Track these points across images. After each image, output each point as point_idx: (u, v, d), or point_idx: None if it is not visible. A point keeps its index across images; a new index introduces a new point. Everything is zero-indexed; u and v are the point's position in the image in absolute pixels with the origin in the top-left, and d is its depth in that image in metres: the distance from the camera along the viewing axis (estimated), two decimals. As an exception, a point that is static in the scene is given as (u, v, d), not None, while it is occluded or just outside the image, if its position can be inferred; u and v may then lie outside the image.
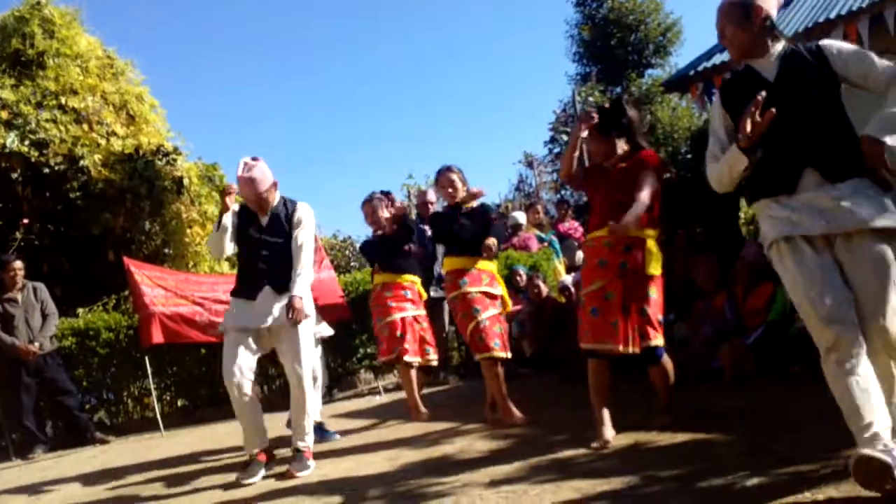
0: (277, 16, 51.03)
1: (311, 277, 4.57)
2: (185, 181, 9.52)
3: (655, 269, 3.94)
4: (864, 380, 2.50)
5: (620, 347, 3.84)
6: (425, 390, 6.27)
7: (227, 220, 4.61)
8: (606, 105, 4.29)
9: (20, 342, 6.95)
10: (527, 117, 47.33)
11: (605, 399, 3.96)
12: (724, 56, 7.15)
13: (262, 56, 49.09)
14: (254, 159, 4.58)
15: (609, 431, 3.85)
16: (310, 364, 4.56)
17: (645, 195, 3.79)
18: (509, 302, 5.33)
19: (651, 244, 3.95)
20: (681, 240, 6.79)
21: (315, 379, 5.36)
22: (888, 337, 2.52)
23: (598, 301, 3.93)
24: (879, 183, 2.63)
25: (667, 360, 4.02)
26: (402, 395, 7.00)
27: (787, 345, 4.88)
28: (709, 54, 7.43)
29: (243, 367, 4.44)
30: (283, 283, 4.48)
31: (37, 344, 7.00)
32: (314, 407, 5.00)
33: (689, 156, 13.86)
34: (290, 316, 4.34)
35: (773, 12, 2.95)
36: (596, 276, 3.99)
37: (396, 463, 4.19)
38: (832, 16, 6.37)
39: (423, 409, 5.61)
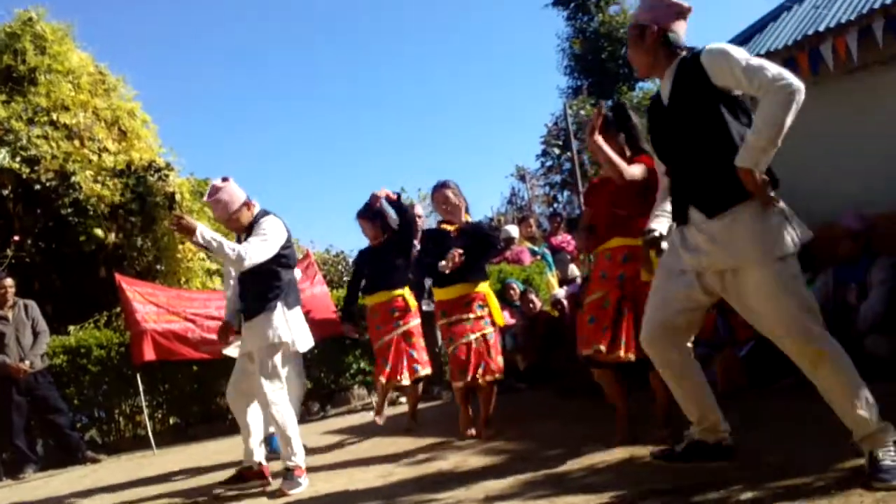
0: (269, 31, 51.15)
1: (241, 247, 4.33)
2: (178, 197, 9.51)
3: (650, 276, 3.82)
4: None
5: (603, 348, 3.84)
6: (419, 405, 6.24)
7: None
8: (609, 112, 4.23)
9: (11, 360, 6.90)
10: (519, 131, 47.44)
11: (624, 398, 4.08)
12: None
13: (255, 71, 49.14)
14: (223, 180, 4.57)
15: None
16: (276, 387, 4.48)
17: (635, 168, 3.81)
18: (499, 317, 5.25)
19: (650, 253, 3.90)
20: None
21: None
22: (796, 348, 2.87)
23: (595, 310, 4.00)
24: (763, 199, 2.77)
25: None
26: (396, 410, 6.99)
27: (780, 357, 4.86)
28: (699, 67, 7.47)
29: (235, 388, 4.70)
30: (252, 310, 4.54)
31: (27, 362, 6.96)
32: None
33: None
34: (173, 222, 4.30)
35: (673, 25, 3.00)
36: (597, 286, 4.07)
37: (390, 479, 4.17)
38: (821, 28, 6.39)
39: (382, 416, 5.79)
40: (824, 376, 2.80)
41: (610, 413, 4.21)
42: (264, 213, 4.61)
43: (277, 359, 4.51)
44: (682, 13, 3.05)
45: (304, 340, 4.71)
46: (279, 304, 4.51)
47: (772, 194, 2.81)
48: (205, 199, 4.68)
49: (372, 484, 4.13)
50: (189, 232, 4.19)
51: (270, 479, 4.60)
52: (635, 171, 3.81)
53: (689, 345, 3.19)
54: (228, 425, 7.89)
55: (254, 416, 4.68)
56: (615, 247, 4.01)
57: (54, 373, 7.36)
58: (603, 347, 3.86)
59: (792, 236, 2.82)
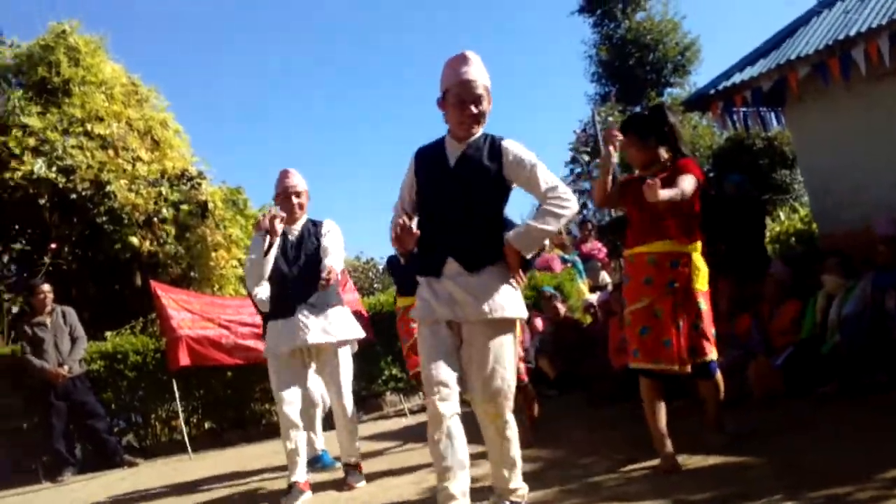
0: (300, 42, 51.57)
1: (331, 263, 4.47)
2: (210, 205, 9.62)
3: (702, 284, 3.78)
4: (455, 442, 2.97)
5: (676, 367, 3.67)
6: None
7: (274, 245, 4.57)
8: (646, 112, 4.19)
9: (49, 366, 7.04)
10: (547, 138, 47.38)
11: (662, 417, 3.77)
12: (744, 75, 7.16)
13: (285, 81, 49.57)
14: None
15: (670, 447, 3.68)
16: (349, 381, 4.66)
17: (686, 184, 3.63)
18: None
19: (697, 259, 3.80)
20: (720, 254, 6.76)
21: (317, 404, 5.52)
22: (486, 407, 3.07)
23: (646, 319, 3.75)
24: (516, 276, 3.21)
25: (719, 376, 3.89)
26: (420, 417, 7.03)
27: (819, 363, 4.84)
28: (728, 73, 7.43)
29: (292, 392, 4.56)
30: (315, 307, 4.55)
31: (66, 367, 7.09)
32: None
33: (711, 174, 13.81)
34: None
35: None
36: (642, 293, 3.78)
37: (422, 487, 4.18)
38: (852, 33, 6.36)
39: None
40: (502, 441, 3.13)
41: (640, 419, 4.20)
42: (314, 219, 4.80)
43: (347, 355, 4.68)
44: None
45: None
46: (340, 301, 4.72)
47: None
48: (287, 170, 4.73)
49: (403, 492, 4.15)
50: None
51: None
52: (688, 187, 3.64)
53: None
54: (263, 430, 8.00)
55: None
56: (662, 251, 3.76)
57: (92, 378, 7.49)
58: (677, 367, 3.67)
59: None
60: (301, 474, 4.44)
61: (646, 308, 3.76)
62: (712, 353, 3.79)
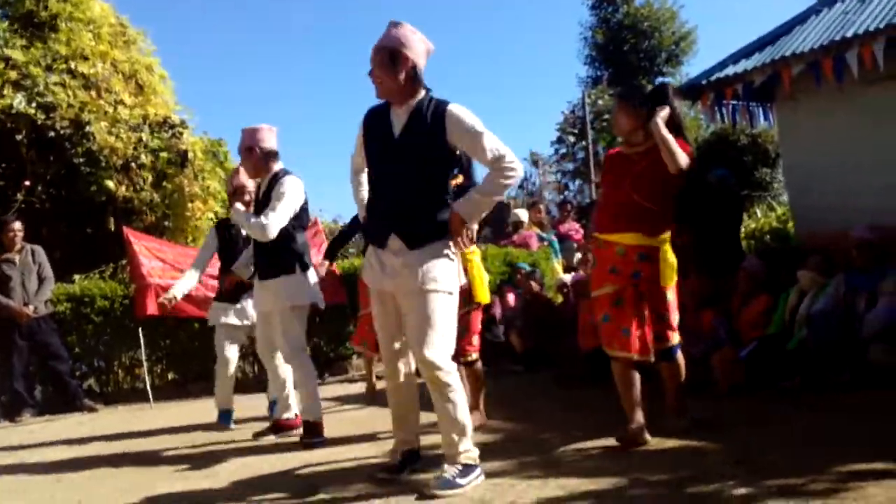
0: (292, 2, 50.82)
1: (262, 220, 4.35)
2: (190, 154, 9.48)
3: (671, 278, 3.77)
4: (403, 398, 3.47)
5: (635, 356, 3.65)
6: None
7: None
8: (649, 89, 4.02)
9: (15, 304, 6.94)
10: (534, 116, 47.26)
11: (636, 388, 3.72)
12: (737, 68, 7.13)
13: (278, 35, 48.89)
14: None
15: (640, 417, 3.66)
16: (299, 347, 4.62)
17: (684, 157, 3.61)
18: (482, 294, 4.55)
19: (665, 252, 3.75)
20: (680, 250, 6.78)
21: None
22: (426, 373, 3.18)
23: (608, 307, 3.73)
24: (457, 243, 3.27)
25: (681, 358, 3.89)
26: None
27: (785, 358, 4.89)
28: (722, 65, 7.39)
29: (265, 344, 4.92)
30: (268, 271, 4.56)
31: (31, 307, 7.00)
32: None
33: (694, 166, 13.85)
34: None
35: (421, 62, 3.21)
36: (606, 280, 3.76)
37: (382, 449, 4.18)
38: (848, 34, 6.34)
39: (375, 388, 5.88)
40: (445, 404, 3.22)
41: (605, 401, 4.22)
42: (285, 171, 4.60)
43: (299, 320, 4.60)
44: (429, 52, 3.29)
45: (319, 299, 4.77)
46: (297, 267, 4.54)
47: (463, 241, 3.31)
48: (246, 128, 4.62)
49: (363, 452, 4.15)
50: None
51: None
52: (684, 160, 3.62)
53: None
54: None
55: (286, 370, 4.82)
56: (630, 244, 3.71)
57: (57, 320, 7.40)
58: (636, 356, 3.66)
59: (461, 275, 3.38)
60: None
61: (610, 295, 3.73)
62: (674, 339, 3.82)
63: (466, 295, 4.21)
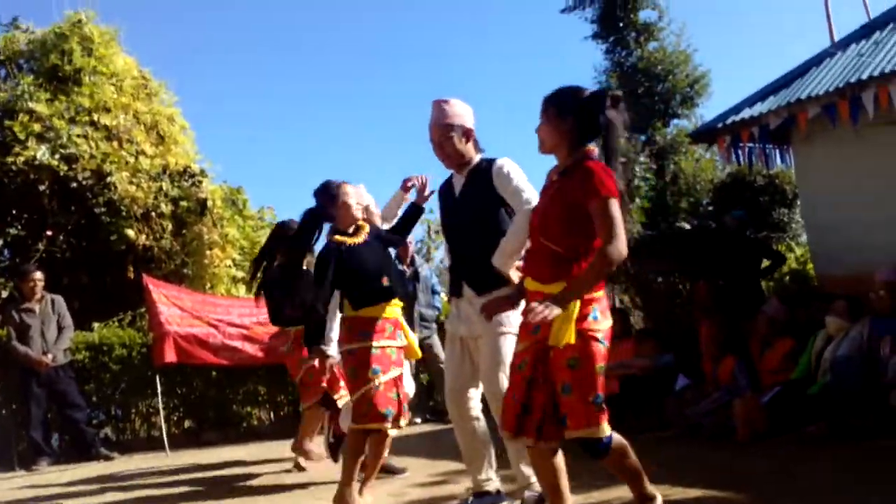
0: (309, 48, 51.78)
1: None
2: (209, 203, 9.58)
3: (569, 336, 2.63)
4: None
5: (529, 441, 2.77)
6: (428, 427, 6.16)
7: None
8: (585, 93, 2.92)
9: (33, 353, 6.98)
10: (550, 160, 47.38)
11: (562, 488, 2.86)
12: (753, 111, 7.15)
13: (295, 87, 49.71)
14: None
15: None
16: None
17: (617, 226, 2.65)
18: (417, 350, 4.35)
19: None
20: (701, 292, 6.72)
21: None
22: (494, 398, 3.28)
23: (513, 371, 2.91)
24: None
25: (619, 445, 2.78)
26: (408, 430, 6.97)
27: (807, 404, 4.79)
28: (737, 108, 7.42)
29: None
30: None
31: (50, 356, 7.03)
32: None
33: (710, 207, 13.78)
34: None
35: (474, 130, 3.60)
36: (521, 336, 2.90)
37: (402, 500, 4.13)
38: (864, 76, 6.35)
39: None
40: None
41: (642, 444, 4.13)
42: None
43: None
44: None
45: None
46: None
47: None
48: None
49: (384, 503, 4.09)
50: None
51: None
52: (622, 247, 2.62)
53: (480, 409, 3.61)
54: (242, 433, 7.93)
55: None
56: (531, 290, 2.85)
57: (76, 368, 7.43)
58: (529, 441, 2.78)
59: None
60: None
61: (517, 356, 2.91)
62: (596, 429, 2.67)
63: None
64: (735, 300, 6.62)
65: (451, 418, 3.67)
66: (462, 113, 3.60)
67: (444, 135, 3.55)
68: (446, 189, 3.76)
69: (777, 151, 7.91)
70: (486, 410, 3.57)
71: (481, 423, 3.60)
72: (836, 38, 9.03)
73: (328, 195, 4.08)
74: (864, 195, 6.68)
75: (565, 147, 2.85)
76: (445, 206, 3.78)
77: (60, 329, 7.27)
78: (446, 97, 3.64)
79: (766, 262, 7.61)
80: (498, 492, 3.57)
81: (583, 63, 43.98)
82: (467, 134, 3.59)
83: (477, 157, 3.62)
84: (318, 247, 4.22)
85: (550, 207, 2.81)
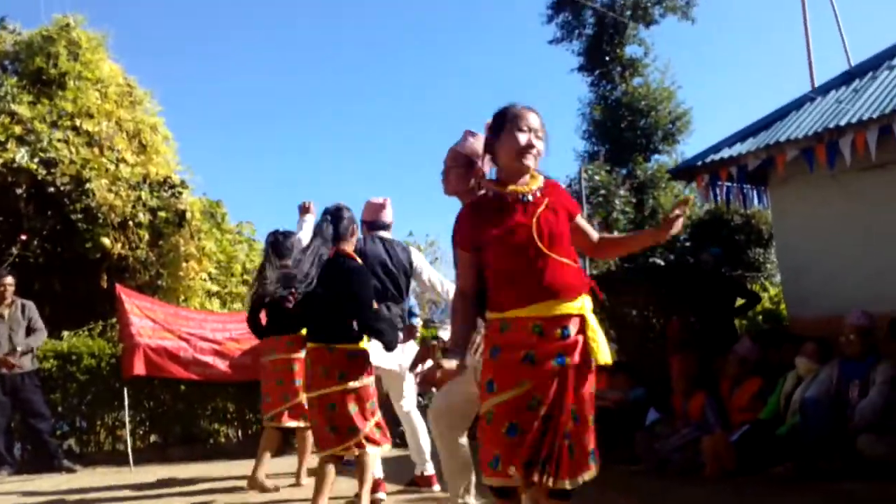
0: (298, 60, 51.86)
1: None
2: (188, 215, 9.51)
3: (604, 356, 2.63)
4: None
5: (535, 478, 2.46)
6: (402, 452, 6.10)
7: None
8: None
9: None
10: (531, 188, 47.62)
11: None
12: (732, 151, 7.24)
13: (282, 98, 49.71)
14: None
15: None
16: None
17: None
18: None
19: (592, 318, 2.69)
20: (674, 328, 6.77)
21: None
22: None
23: (518, 413, 2.53)
24: None
25: None
26: (405, 452, 6.94)
27: (775, 443, 4.82)
28: (716, 147, 7.52)
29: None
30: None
31: (18, 350, 6.88)
32: None
33: (687, 243, 13.94)
34: None
35: (487, 168, 3.13)
36: (520, 375, 2.55)
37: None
38: (842, 123, 6.48)
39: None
40: None
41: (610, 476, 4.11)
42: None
43: None
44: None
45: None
46: None
47: None
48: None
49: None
50: None
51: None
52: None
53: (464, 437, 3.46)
54: (209, 450, 7.82)
55: None
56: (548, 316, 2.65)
57: (42, 377, 7.28)
58: (536, 478, 2.47)
59: None
60: None
61: (521, 396, 2.54)
62: (586, 474, 2.56)
63: None
64: (708, 337, 6.68)
65: (433, 437, 3.59)
66: (478, 150, 3.34)
67: (452, 163, 3.41)
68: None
69: (755, 192, 8.03)
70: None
71: (461, 444, 3.49)
72: (817, 83, 9.23)
73: None
74: (838, 239, 6.79)
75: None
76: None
77: (31, 332, 7.13)
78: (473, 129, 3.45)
79: (740, 301, 7.70)
80: None
81: (568, 94, 44.48)
82: (475, 169, 3.36)
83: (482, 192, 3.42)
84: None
85: (555, 223, 2.68)
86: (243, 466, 6.22)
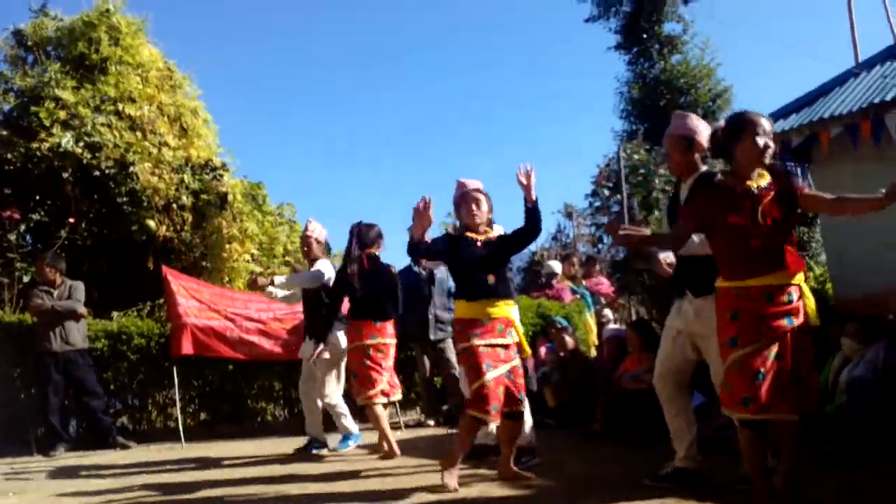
0: (335, 45, 51.94)
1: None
2: (230, 197, 9.67)
3: (817, 319, 3.37)
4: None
5: (796, 417, 3.31)
6: (441, 431, 6.23)
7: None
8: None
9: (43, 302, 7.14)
10: (570, 168, 47.35)
11: (764, 469, 3.40)
12: (775, 128, 7.15)
13: (319, 80, 49.83)
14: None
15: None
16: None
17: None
18: (528, 349, 4.74)
19: (806, 289, 3.40)
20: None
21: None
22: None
23: (763, 362, 3.21)
24: None
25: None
26: (424, 432, 7.04)
27: (823, 423, 4.80)
28: (759, 124, 7.45)
29: None
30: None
31: (50, 304, 7.14)
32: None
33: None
34: None
35: (706, 143, 3.85)
36: (759, 332, 3.23)
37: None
38: (888, 98, 6.38)
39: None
40: None
41: (639, 458, 4.16)
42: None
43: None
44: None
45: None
46: None
47: None
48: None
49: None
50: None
51: None
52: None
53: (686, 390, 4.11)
54: (257, 427, 8.01)
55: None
56: (775, 284, 3.29)
57: (94, 356, 7.49)
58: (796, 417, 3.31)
59: None
60: None
61: (761, 349, 3.23)
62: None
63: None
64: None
65: (659, 398, 4.09)
66: (692, 127, 3.97)
67: (672, 145, 4.00)
68: (674, 195, 4.15)
69: (799, 169, 7.92)
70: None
71: (686, 404, 4.08)
72: (861, 58, 9.04)
73: None
74: (883, 217, 6.67)
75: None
76: (672, 212, 4.07)
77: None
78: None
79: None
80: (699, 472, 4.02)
81: (606, 73, 44.00)
82: (694, 146, 3.92)
83: (703, 168, 3.94)
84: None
85: (778, 213, 3.32)
86: (292, 443, 6.38)
